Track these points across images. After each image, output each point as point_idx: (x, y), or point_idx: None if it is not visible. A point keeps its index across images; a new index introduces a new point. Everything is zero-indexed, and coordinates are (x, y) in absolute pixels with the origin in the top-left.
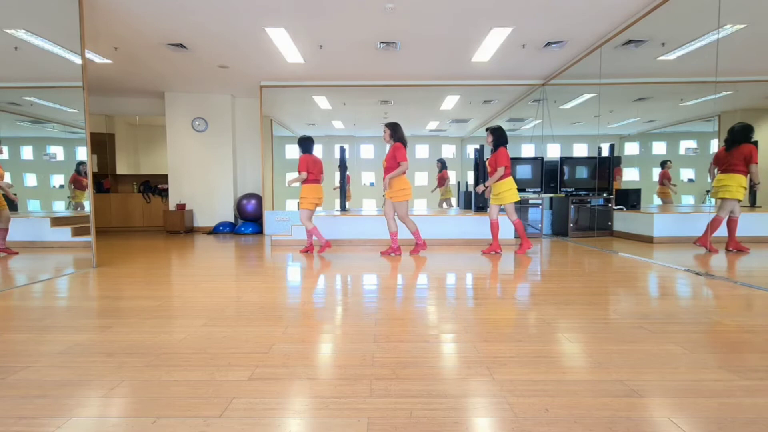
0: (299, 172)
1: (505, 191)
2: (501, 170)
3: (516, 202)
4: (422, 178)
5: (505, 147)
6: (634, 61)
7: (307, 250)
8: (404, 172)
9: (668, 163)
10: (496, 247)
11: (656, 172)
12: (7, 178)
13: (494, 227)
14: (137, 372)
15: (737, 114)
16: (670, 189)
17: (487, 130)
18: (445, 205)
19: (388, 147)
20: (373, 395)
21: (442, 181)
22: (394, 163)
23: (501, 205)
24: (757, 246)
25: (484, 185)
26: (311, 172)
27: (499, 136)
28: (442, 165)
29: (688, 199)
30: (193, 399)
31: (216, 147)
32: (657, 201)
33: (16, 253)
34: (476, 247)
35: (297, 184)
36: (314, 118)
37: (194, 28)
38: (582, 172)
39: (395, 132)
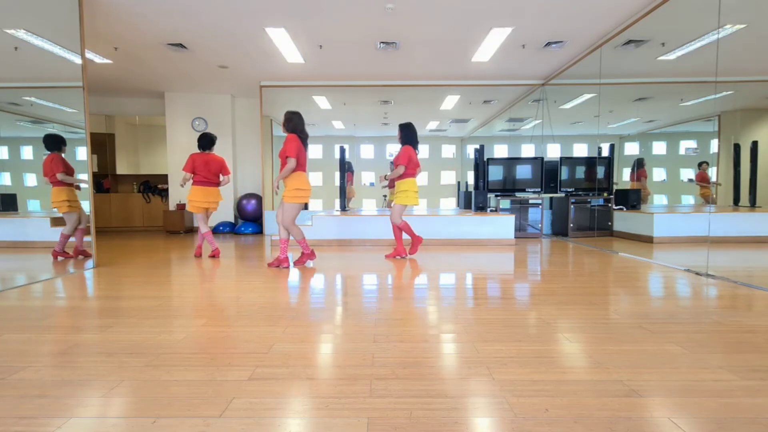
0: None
1: (400, 191)
2: (401, 168)
3: (409, 207)
4: (421, 178)
5: (411, 146)
6: (634, 61)
7: (213, 255)
8: (292, 169)
9: (704, 164)
10: (400, 251)
11: (657, 172)
12: (8, 179)
13: (402, 229)
14: (137, 372)
15: (737, 114)
16: (710, 188)
17: (399, 126)
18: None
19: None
20: (373, 395)
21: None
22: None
23: (394, 203)
24: (757, 246)
25: (386, 177)
26: (198, 173)
27: (406, 134)
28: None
29: (689, 199)
30: (193, 399)
31: (216, 147)
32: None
33: (90, 255)
34: (476, 247)
35: (186, 184)
36: (314, 118)
37: (194, 28)
38: (582, 172)
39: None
